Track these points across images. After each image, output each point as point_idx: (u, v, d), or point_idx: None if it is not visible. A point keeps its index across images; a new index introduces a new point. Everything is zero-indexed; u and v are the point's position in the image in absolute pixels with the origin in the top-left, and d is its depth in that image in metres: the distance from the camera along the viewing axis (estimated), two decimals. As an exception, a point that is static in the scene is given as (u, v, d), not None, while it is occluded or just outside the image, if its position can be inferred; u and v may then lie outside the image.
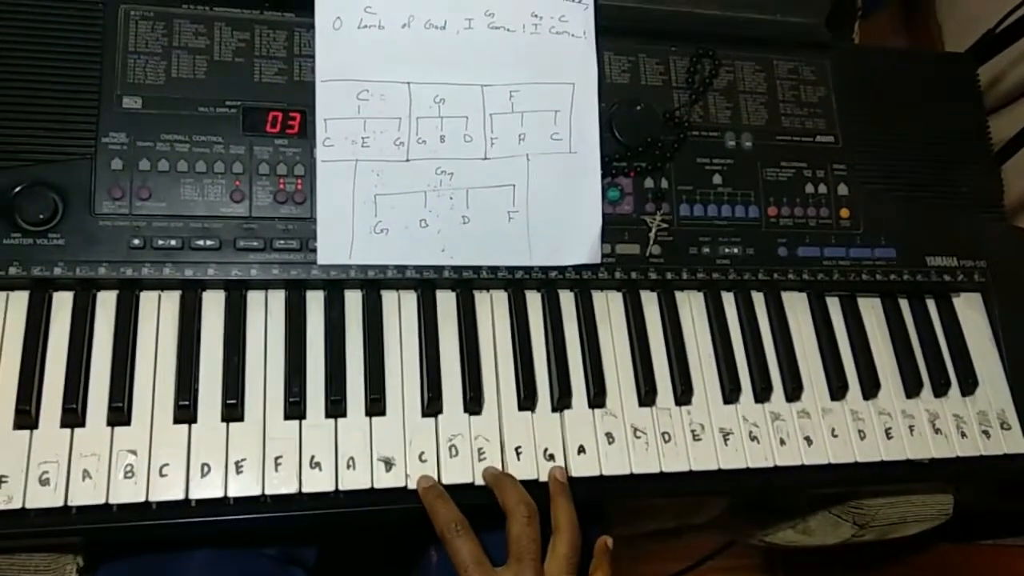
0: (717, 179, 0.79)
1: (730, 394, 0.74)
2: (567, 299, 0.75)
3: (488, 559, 0.61)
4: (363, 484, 0.65)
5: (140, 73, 0.70)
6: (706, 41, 0.81)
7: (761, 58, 0.83)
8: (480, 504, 0.65)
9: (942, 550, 0.99)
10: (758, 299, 0.79)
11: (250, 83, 0.71)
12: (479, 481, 0.67)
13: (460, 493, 0.65)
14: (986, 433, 0.78)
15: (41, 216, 0.65)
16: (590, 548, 0.67)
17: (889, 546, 0.92)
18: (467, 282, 0.73)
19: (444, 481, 0.66)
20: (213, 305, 0.68)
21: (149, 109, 0.69)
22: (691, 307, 0.78)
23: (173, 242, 0.67)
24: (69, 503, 0.60)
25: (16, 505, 0.60)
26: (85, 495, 0.61)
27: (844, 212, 0.81)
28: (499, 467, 0.68)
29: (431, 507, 0.63)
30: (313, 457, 0.65)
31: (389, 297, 0.72)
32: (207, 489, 0.63)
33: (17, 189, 0.65)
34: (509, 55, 0.75)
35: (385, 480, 0.65)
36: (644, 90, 0.79)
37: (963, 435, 0.78)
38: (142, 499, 0.62)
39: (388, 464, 0.66)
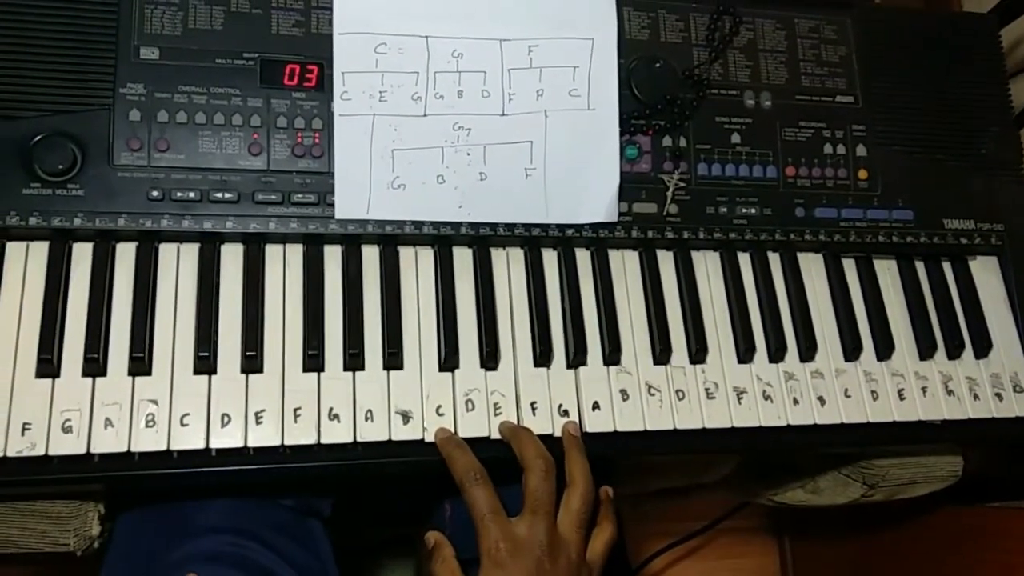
0: (735, 138, 0.79)
1: (744, 353, 0.75)
2: (583, 257, 0.75)
3: (504, 509, 0.61)
4: (381, 436, 0.66)
5: (157, 24, 0.69)
6: (727, -2, 0.81)
7: (782, 16, 0.82)
8: (495, 457, 0.66)
9: (950, 512, 1.00)
10: (774, 259, 0.79)
11: (267, 35, 0.71)
12: (495, 435, 0.68)
13: (476, 447, 0.65)
14: (999, 396, 0.79)
15: (60, 166, 0.65)
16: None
17: (897, 507, 0.93)
18: (484, 239, 0.73)
19: (460, 434, 0.67)
20: (231, 258, 0.68)
21: (166, 60, 0.69)
22: (707, 267, 0.78)
23: (192, 194, 0.67)
24: (91, 451, 0.61)
25: (39, 452, 0.61)
26: (107, 443, 0.62)
27: (862, 173, 0.81)
28: (515, 422, 0.68)
29: (449, 456, 0.63)
30: (332, 409, 0.66)
31: (406, 253, 0.72)
32: (227, 439, 0.63)
33: (36, 139, 0.65)
34: (528, 9, 0.74)
35: (402, 432, 0.66)
36: (663, 47, 0.79)
37: (975, 397, 0.78)
38: (163, 448, 0.62)
39: (405, 417, 0.67)
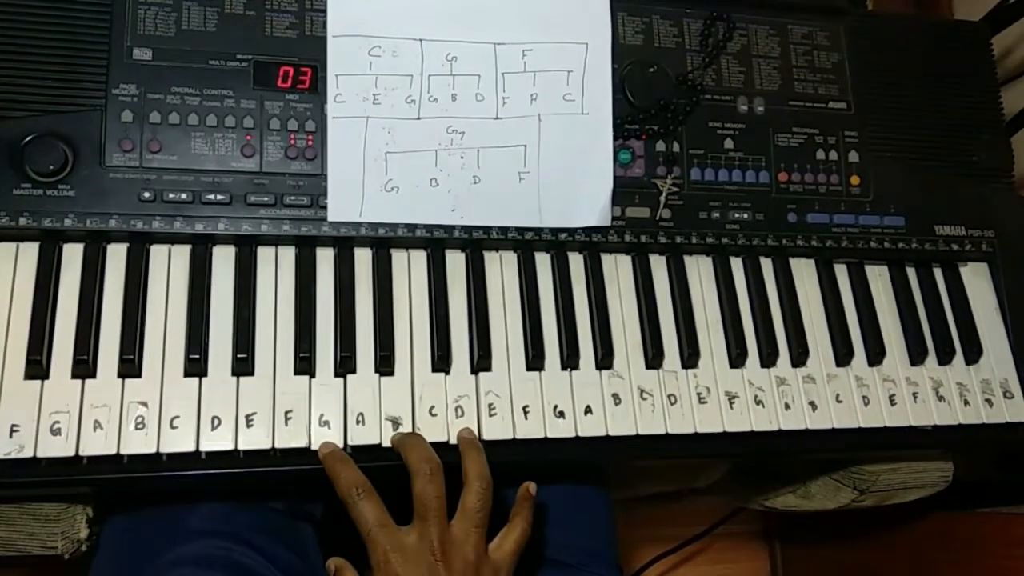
0: (729, 144, 0.79)
1: (736, 358, 0.75)
2: (576, 261, 0.75)
3: (392, 520, 0.60)
4: (372, 440, 0.66)
5: (150, 24, 0.69)
6: (720, 4, 0.81)
7: (775, 22, 0.83)
8: (516, 461, 0.67)
9: (940, 517, 1.01)
10: (766, 265, 0.79)
11: (261, 37, 0.71)
12: (486, 437, 0.67)
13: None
14: (989, 401, 0.79)
15: (51, 167, 0.64)
16: (505, 505, 0.65)
17: (887, 513, 0.93)
18: (477, 242, 0.73)
19: (452, 439, 0.67)
20: (223, 260, 0.68)
21: (159, 61, 0.68)
22: (699, 271, 0.78)
23: (184, 196, 0.67)
24: (80, 453, 0.61)
25: (28, 454, 0.60)
26: (96, 445, 0.61)
27: (854, 179, 0.81)
28: (509, 426, 0.68)
29: (332, 471, 0.62)
30: (323, 413, 0.65)
31: (399, 256, 0.72)
32: (217, 442, 0.63)
33: (27, 139, 0.65)
34: (522, 13, 0.75)
35: (394, 436, 0.66)
36: (657, 52, 0.79)
37: (966, 403, 0.78)
38: (153, 450, 0.62)
39: (395, 423, 0.66)
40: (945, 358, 0.80)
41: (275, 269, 0.69)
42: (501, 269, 0.74)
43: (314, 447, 0.64)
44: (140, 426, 0.62)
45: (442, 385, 0.68)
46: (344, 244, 0.71)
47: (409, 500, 0.61)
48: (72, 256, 0.66)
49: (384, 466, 0.65)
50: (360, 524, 0.60)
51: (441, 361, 0.69)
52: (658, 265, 0.77)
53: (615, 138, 0.76)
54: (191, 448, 0.63)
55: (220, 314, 0.66)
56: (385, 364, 0.68)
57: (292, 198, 0.69)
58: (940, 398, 0.78)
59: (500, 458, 0.65)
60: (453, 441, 0.67)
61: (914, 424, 0.77)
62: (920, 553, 1.06)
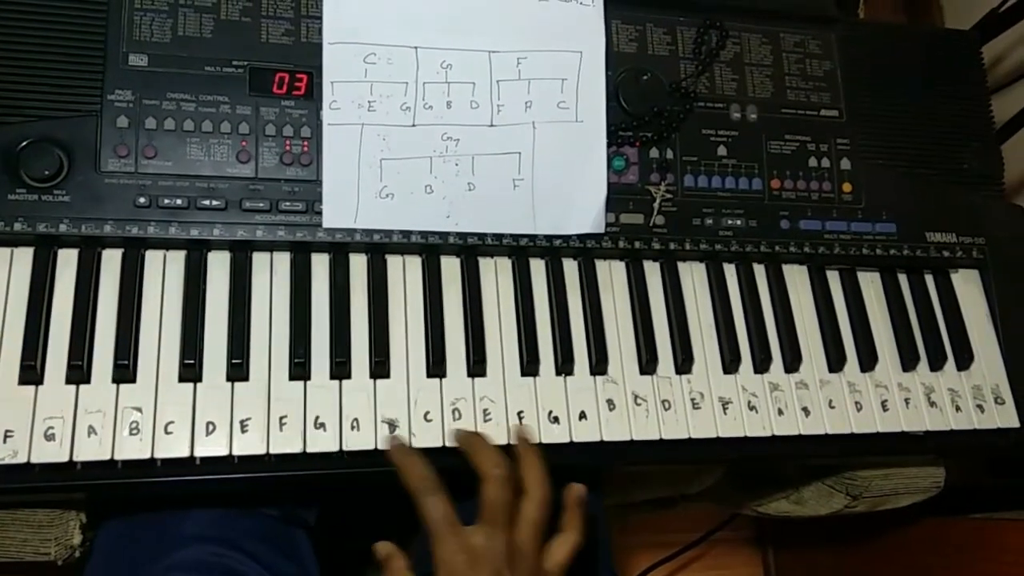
0: (722, 151, 0.79)
1: (730, 364, 0.75)
2: (571, 267, 0.76)
3: (459, 520, 0.60)
4: (367, 445, 0.66)
5: (146, 30, 0.69)
6: (713, 12, 0.81)
7: (768, 31, 0.83)
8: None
9: (933, 523, 1.01)
10: (759, 271, 0.80)
11: (257, 43, 0.71)
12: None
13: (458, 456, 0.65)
14: (980, 407, 0.79)
15: (46, 172, 0.64)
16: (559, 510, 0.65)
17: (879, 518, 0.93)
18: (472, 248, 0.73)
19: (447, 444, 0.67)
20: (218, 265, 0.68)
21: (155, 67, 0.69)
22: (693, 278, 0.78)
23: (179, 201, 0.67)
24: (74, 459, 0.61)
25: (21, 460, 0.60)
26: (90, 451, 0.61)
27: (846, 186, 0.82)
28: (504, 431, 0.68)
29: (402, 464, 0.61)
30: (317, 418, 0.65)
31: (394, 261, 0.72)
32: (212, 447, 0.63)
33: (23, 145, 0.65)
34: (517, 22, 0.75)
35: (389, 441, 0.66)
36: (651, 60, 0.79)
37: (958, 409, 0.79)
38: (147, 456, 0.62)
39: (392, 425, 0.66)
40: (937, 364, 0.80)
41: (270, 275, 0.69)
42: (496, 275, 0.74)
43: (308, 452, 0.64)
44: (134, 431, 0.62)
45: (437, 390, 0.68)
46: (339, 250, 0.71)
47: (410, 508, 0.61)
48: (67, 262, 0.66)
49: (383, 471, 0.65)
50: (429, 519, 0.59)
51: (436, 366, 0.69)
52: (652, 271, 0.77)
53: (609, 145, 0.76)
54: (185, 453, 0.63)
55: (215, 319, 0.66)
56: (380, 369, 0.68)
57: (287, 204, 0.69)
58: (932, 404, 0.78)
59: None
60: (449, 445, 0.67)
61: (906, 429, 0.77)
62: (912, 559, 1.06)
